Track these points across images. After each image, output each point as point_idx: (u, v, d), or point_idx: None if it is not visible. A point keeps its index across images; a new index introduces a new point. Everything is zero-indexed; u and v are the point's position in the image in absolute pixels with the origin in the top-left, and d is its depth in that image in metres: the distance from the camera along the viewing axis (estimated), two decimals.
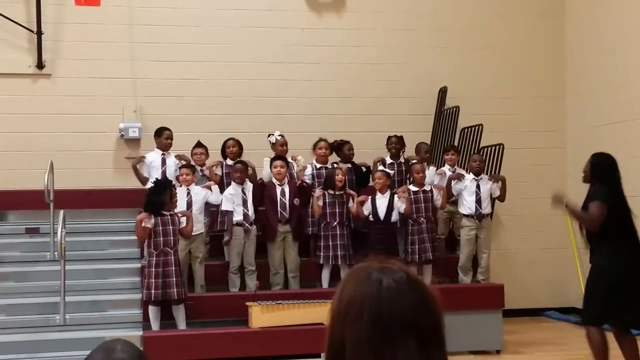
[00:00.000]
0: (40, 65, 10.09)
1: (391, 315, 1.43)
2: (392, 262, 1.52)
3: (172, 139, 9.12)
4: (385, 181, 8.77)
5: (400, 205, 8.67)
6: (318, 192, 8.77)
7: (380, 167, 9.16)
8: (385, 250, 8.10)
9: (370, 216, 8.70)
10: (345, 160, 9.51)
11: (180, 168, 8.73)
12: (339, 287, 1.52)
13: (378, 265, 1.50)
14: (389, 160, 9.56)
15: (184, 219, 8.05)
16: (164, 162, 9.04)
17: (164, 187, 7.93)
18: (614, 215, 6.06)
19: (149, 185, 8.41)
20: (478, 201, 9.01)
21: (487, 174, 9.40)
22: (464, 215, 9.10)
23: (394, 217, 8.70)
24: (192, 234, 8.30)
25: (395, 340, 1.42)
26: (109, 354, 1.79)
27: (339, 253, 8.62)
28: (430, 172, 9.48)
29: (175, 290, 7.81)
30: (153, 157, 9.10)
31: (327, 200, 8.72)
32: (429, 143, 10.53)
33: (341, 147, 9.63)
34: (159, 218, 7.85)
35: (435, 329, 1.47)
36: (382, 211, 8.70)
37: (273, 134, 9.30)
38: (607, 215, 6.03)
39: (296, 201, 8.78)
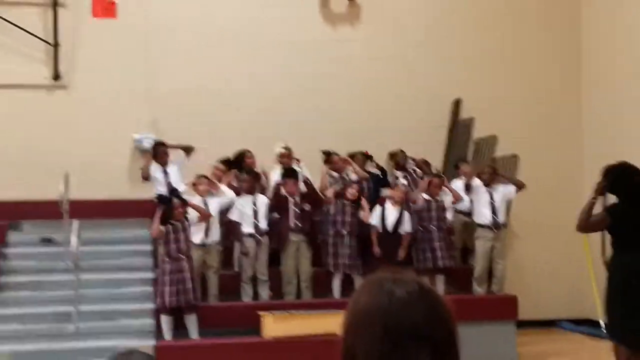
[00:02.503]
0: (56, 76, 10.16)
1: (403, 327, 1.43)
2: (405, 273, 1.53)
3: (167, 154, 9.18)
4: (404, 197, 8.86)
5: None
6: (329, 192, 8.87)
7: (403, 181, 9.25)
8: (390, 261, 8.14)
9: (379, 226, 8.74)
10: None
11: (199, 177, 8.76)
12: (352, 298, 1.53)
13: (391, 276, 1.50)
14: (401, 174, 9.62)
15: (193, 218, 8.14)
16: (166, 174, 9.10)
17: (163, 203, 8.14)
18: (628, 226, 6.01)
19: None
20: (494, 211, 8.98)
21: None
22: (480, 225, 9.07)
23: (402, 230, 8.74)
24: (208, 242, 8.40)
25: (407, 351, 1.42)
26: None
27: (347, 262, 8.65)
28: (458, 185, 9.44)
29: (191, 296, 7.85)
30: (157, 172, 9.15)
31: (338, 208, 8.77)
32: (443, 155, 10.54)
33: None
34: (169, 226, 7.94)
35: (448, 340, 1.46)
36: (391, 222, 8.74)
37: (277, 146, 9.37)
38: (612, 226, 6.02)
39: (306, 206, 8.81)
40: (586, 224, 6.29)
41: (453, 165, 10.00)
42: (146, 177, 9.20)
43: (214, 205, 8.60)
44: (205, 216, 8.30)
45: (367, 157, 9.66)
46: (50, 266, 8.83)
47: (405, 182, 9.37)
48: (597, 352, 8.71)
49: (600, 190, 6.21)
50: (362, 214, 8.84)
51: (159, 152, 9.19)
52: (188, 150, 9.26)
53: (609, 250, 6.25)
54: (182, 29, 10.46)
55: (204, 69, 10.45)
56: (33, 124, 10.04)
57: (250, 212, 8.62)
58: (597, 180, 6.31)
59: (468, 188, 9.19)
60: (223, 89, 10.47)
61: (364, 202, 8.93)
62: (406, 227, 8.80)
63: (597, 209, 6.28)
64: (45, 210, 9.18)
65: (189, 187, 8.74)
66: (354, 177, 9.33)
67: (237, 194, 8.90)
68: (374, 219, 8.79)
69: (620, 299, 5.90)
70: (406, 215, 8.83)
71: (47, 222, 9.28)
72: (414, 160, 9.76)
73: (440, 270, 8.77)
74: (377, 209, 8.85)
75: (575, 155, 11.13)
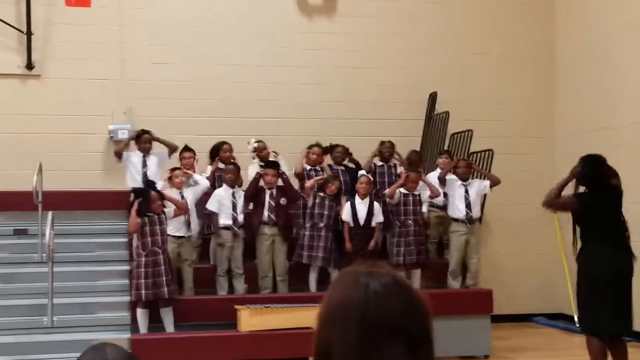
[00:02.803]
0: (29, 65, 10.05)
1: (378, 320, 1.43)
2: (381, 266, 1.52)
3: (150, 143, 9.10)
4: (369, 187, 8.84)
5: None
6: (310, 182, 8.82)
7: (363, 172, 9.23)
8: (363, 256, 8.13)
9: (351, 221, 8.74)
10: (335, 163, 9.56)
11: (172, 170, 8.69)
12: (328, 291, 1.52)
13: (366, 269, 1.50)
14: (379, 163, 9.62)
15: (169, 211, 8.08)
16: (144, 164, 9.02)
17: (139, 195, 8.00)
18: (596, 217, 6.08)
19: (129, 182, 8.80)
20: (468, 205, 9.03)
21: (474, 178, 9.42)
22: (454, 219, 9.11)
23: (374, 222, 8.74)
24: (190, 234, 8.37)
25: (382, 344, 1.42)
26: (100, 355, 1.78)
27: (319, 254, 8.62)
28: (432, 177, 9.46)
29: (166, 289, 7.81)
30: (135, 157, 9.08)
31: (317, 201, 8.76)
32: (419, 148, 10.57)
33: (332, 151, 9.66)
34: (146, 218, 7.89)
35: (423, 334, 1.46)
36: (362, 216, 8.74)
37: (251, 142, 9.32)
38: (579, 214, 6.10)
39: (283, 200, 8.79)
40: (554, 202, 6.32)
41: (435, 155, 10.02)
42: (119, 154, 9.06)
43: (189, 197, 8.56)
44: (182, 208, 8.24)
45: (347, 153, 9.65)
46: (24, 258, 8.74)
47: (364, 172, 9.30)
48: (570, 347, 8.80)
49: (577, 175, 6.26)
50: (340, 212, 8.83)
51: (142, 138, 9.09)
52: (172, 148, 9.12)
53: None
54: (157, 18, 10.38)
55: (179, 60, 10.39)
56: (5, 113, 9.92)
57: (229, 203, 8.58)
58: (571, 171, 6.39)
59: (442, 181, 9.21)
60: (198, 80, 10.41)
61: (343, 200, 8.91)
62: (378, 217, 8.78)
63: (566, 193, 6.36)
64: (18, 201, 9.09)
65: (166, 182, 8.64)
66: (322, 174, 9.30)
67: (213, 185, 8.84)
68: (344, 214, 8.77)
69: (602, 292, 5.95)
70: (376, 205, 8.81)
71: (20, 213, 9.18)
72: (399, 156, 9.75)
73: (416, 265, 8.79)
74: (347, 204, 8.83)
75: (548, 151, 11.21)
